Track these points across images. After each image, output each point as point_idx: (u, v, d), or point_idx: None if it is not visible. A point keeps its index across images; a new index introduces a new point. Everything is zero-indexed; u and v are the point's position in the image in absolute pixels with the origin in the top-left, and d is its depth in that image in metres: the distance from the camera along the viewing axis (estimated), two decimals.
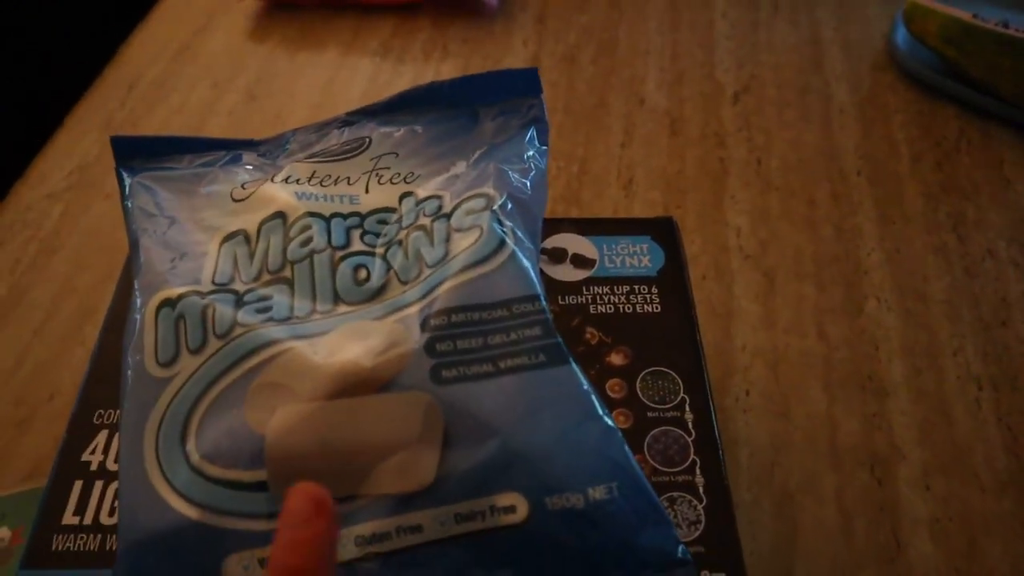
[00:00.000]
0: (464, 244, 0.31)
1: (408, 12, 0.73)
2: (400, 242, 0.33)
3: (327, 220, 0.34)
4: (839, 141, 0.62)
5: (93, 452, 0.33)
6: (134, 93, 0.66)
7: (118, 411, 0.34)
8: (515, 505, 0.26)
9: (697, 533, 0.31)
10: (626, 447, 0.27)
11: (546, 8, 0.74)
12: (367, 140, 0.38)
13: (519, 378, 0.28)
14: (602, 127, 0.63)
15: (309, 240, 0.33)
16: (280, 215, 0.34)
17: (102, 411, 0.34)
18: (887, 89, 0.66)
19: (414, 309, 0.30)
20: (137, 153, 0.37)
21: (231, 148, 0.38)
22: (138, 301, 0.32)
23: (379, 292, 0.32)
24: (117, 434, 0.34)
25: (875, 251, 0.55)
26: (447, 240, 0.32)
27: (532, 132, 0.36)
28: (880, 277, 0.53)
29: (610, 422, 0.28)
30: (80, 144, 0.62)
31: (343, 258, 0.33)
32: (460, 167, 0.36)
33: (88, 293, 0.52)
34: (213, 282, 0.32)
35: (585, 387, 0.28)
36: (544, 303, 0.30)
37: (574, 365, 0.29)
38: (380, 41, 0.70)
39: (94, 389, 0.35)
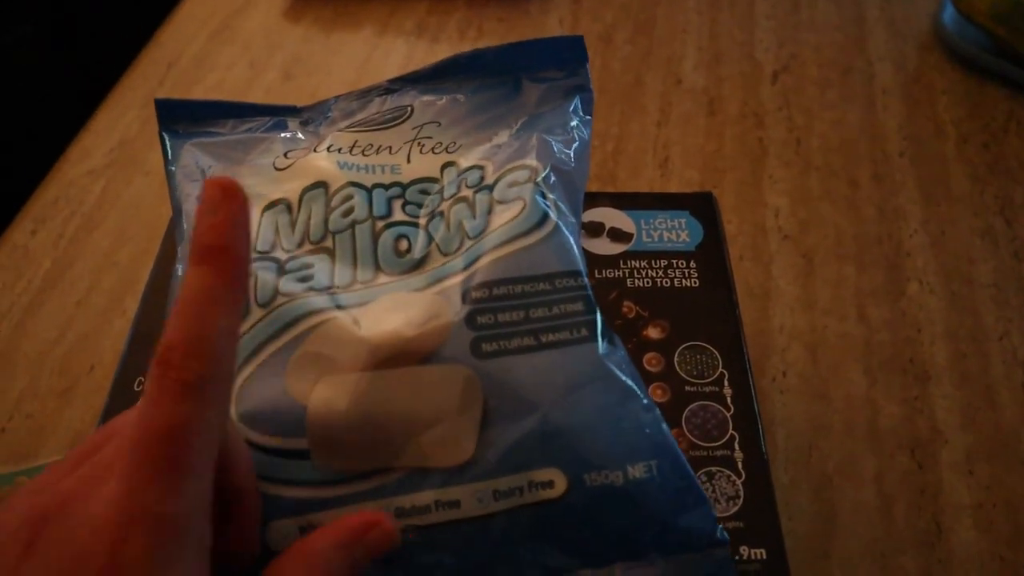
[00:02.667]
0: (507, 216, 0.31)
1: None
2: (442, 213, 0.33)
3: (368, 190, 0.34)
4: (882, 122, 0.60)
5: None
6: (173, 72, 0.67)
7: None
8: (553, 480, 0.26)
9: (736, 508, 0.30)
10: (665, 426, 0.27)
11: None
12: (409, 109, 0.37)
13: (560, 353, 0.27)
14: (638, 106, 0.62)
15: (351, 210, 0.33)
16: (322, 184, 0.34)
17: (143, 378, 0.35)
18: (933, 69, 0.64)
19: (455, 281, 0.30)
20: (181, 117, 0.37)
21: (274, 114, 0.38)
22: (180, 269, 0.32)
23: (420, 263, 0.31)
24: None
25: (918, 233, 0.53)
26: (489, 212, 0.32)
27: (576, 101, 0.36)
28: (923, 260, 0.52)
29: (650, 400, 0.27)
30: (121, 121, 0.63)
31: (385, 228, 0.33)
32: (503, 136, 0.35)
33: (128, 267, 0.53)
34: (255, 249, 0.32)
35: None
36: (585, 279, 0.30)
37: (618, 344, 0.28)
38: (415, 21, 0.70)
39: (135, 356, 0.35)
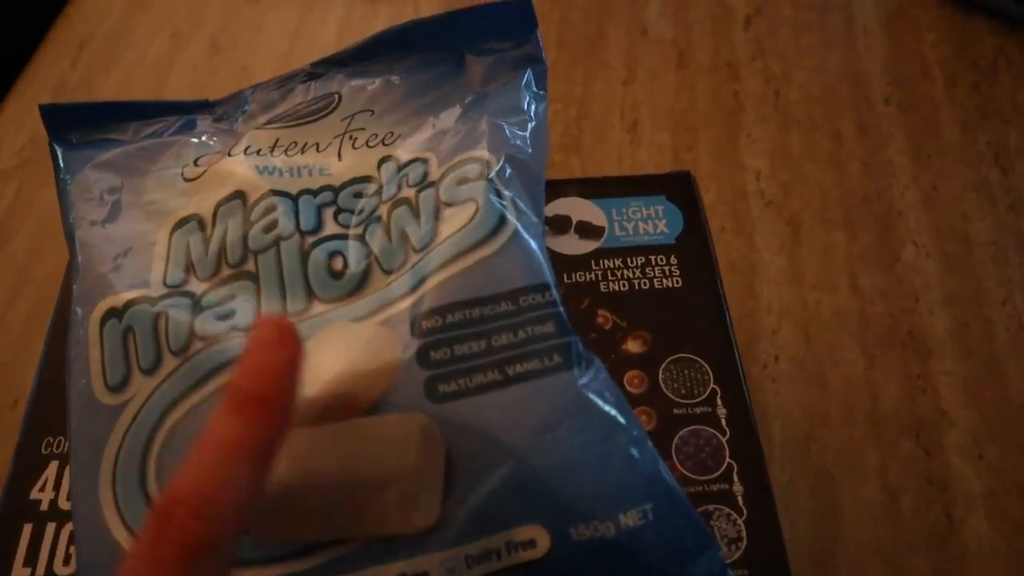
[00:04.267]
0: (457, 223, 0.26)
1: None
2: (380, 219, 0.28)
3: (294, 198, 0.29)
4: (864, 66, 0.56)
5: (43, 488, 0.29)
6: (87, 51, 0.60)
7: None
8: (535, 539, 0.22)
9: (738, 554, 0.27)
10: (659, 460, 0.23)
11: None
12: (336, 97, 0.32)
13: (531, 387, 0.23)
14: (601, 62, 0.57)
15: (274, 224, 0.29)
16: (239, 195, 0.29)
17: (51, 438, 0.30)
18: (915, 4, 0.59)
19: (402, 306, 0.26)
20: (73, 124, 0.31)
21: (182, 112, 0.33)
22: (79, 312, 0.27)
23: (360, 285, 0.27)
24: (68, 467, 0.29)
25: (909, 189, 0.49)
26: (436, 216, 0.27)
27: (528, 75, 0.31)
28: (916, 219, 0.48)
29: (640, 430, 0.23)
30: (31, 114, 0.57)
31: (315, 244, 0.28)
32: (446, 121, 0.31)
33: (46, 283, 0.48)
34: (164, 283, 0.28)
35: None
36: (555, 292, 0.25)
37: (597, 367, 0.24)
38: None
39: (40, 412, 0.31)
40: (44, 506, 0.29)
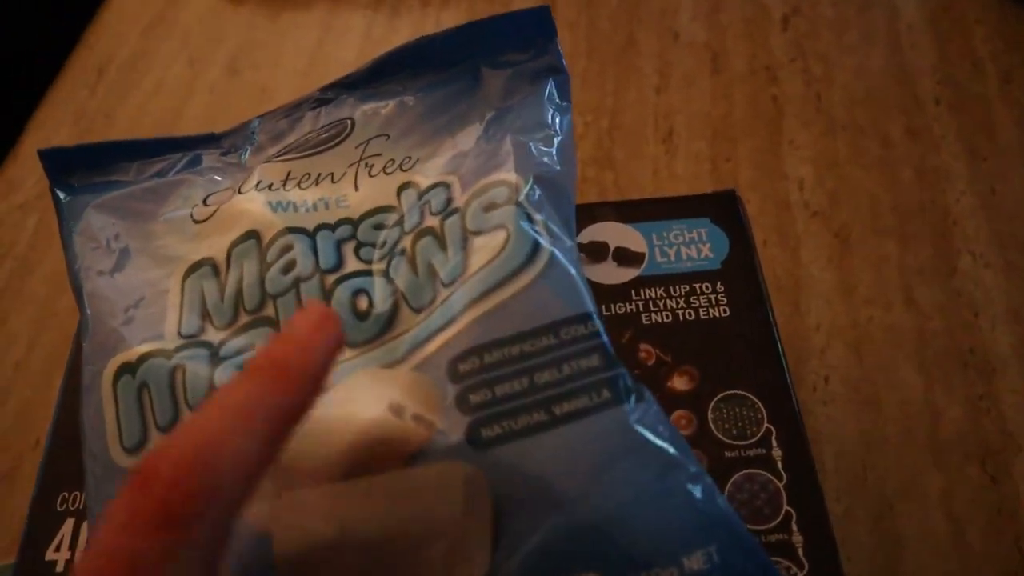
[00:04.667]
0: (488, 253, 0.25)
1: None
2: (403, 251, 0.26)
3: (311, 235, 0.28)
4: (912, 64, 0.53)
5: (59, 548, 0.28)
6: (105, 78, 0.59)
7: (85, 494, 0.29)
8: None
9: None
10: (720, 496, 0.22)
11: None
12: (349, 122, 0.31)
13: (580, 426, 0.22)
14: (633, 70, 0.55)
15: (292, 264, 0.27)
16: (253, 235, 0.28)
17: (66, 493, 0.29)
18: None
19: (434, 346, 0.24)
20: (75, 167, 0.30)
21: (187, 148, 0.31)
22: (90, 371, 0.26)
23: (388, 326, 0.25)
24: (86, 523, 0.28)
25: (965, 194, 0.47)
26: (464, 247, 0.25)
27: (550, 87, 0.29)
28: (974, 226, 0.45)
29: (698, 467, 0.22)
30: (51, 143, 0.56)
31: (336, 283, 0.26)
32: (466, 141, 0.29)
33: (68, 318, 0.47)
34: (180, 334, 0.26)
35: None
36: (598, 322, 0.24)
37: (648, 400, 0.22)
38: None
39: (55, 466, 0.29)
40: (60, 567, 0.27)
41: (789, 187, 0.48)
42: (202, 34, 0.61)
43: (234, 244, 0.27)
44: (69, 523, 0.28)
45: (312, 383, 0.19)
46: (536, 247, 0.24)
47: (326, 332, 0.19)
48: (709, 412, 0.28)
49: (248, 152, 0.31)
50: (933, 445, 0.39)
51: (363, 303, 0.26)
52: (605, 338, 0.24)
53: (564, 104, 0.29)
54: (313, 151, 0.30)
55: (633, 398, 0.23)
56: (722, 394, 0.28)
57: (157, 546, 0.15)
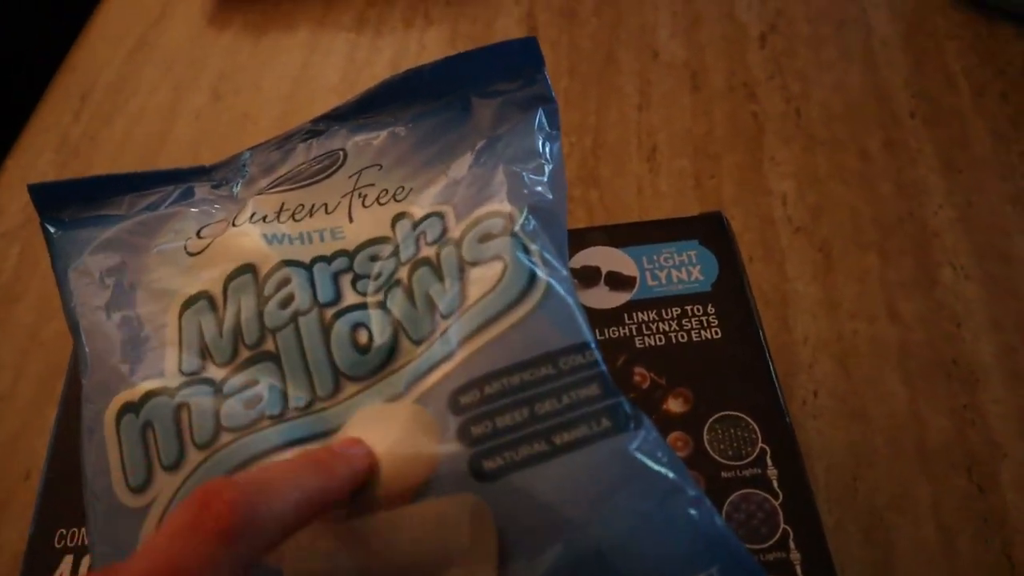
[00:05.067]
0: (485, 284, 0.25)
1: None
2: (399, 282, 0.27)
3: (308, 268, 0.28)
4: (887, 79, 0.54)
5: None
6: (88, 103, 0.59)
7: (84, 530, 0.28)
8: None
9: None
10: (719, 518, 0.22)
11: None
12: (341, 153, 0.31)
13: (581, 455, 0.22)
14: (614, 89, 0.56)
15: (290, 298, 0.27)
16: (249, 268, 0.28)
17: (64, 530, 0.29)
18: (935, 11, 0.57)
19: (435, 378, 0.24)
20: (65, 202, 0.30)
21: (178, 180, 0.31)
22: (92, 408, 0.26)
23: (389, 358, 0.25)
24: (86, 558, 0.28)
25: (943, 207, 0.48)
26: (461, 277, 0.26)
27: (539, 116, 0.29)
28: (953, 239, 0.46)
29: (697, 491, 0.22)
30: (34, 169, 0.55)
31: (336, 317, 0.26)
32: (459, 170, 0.29)
33: (55, 346, 0.46)
34: (180, 371, 0.26)
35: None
36: (596, 351, 0.24)
37: (647, 427, 0.23)
38: (354, 14, 0.62)
39: (52, 502, 0.29)
40: None
41: (772, 203, 0.49)
42: (185, 57, 0.61)
43: (230, 277, 0.27)
44: (68, 560, 0.28)
45: (347, 482, 0.22)
46: (533, 278, 0.25)
47: (365, 461, 0.23)
48: (704, 433, 0.29)
49: (240, 184, 0.31)
50: (920, 455, 0.39)
51: (363, 337, 0.26)
52: (603, 367, 0.24)
53: (554, 132, 0.29)
54: (306, 182, 0.30)
55: (632, 425, 0.23)
56: (717, 415, 0.29)
57: (205, 551, 0.18)
